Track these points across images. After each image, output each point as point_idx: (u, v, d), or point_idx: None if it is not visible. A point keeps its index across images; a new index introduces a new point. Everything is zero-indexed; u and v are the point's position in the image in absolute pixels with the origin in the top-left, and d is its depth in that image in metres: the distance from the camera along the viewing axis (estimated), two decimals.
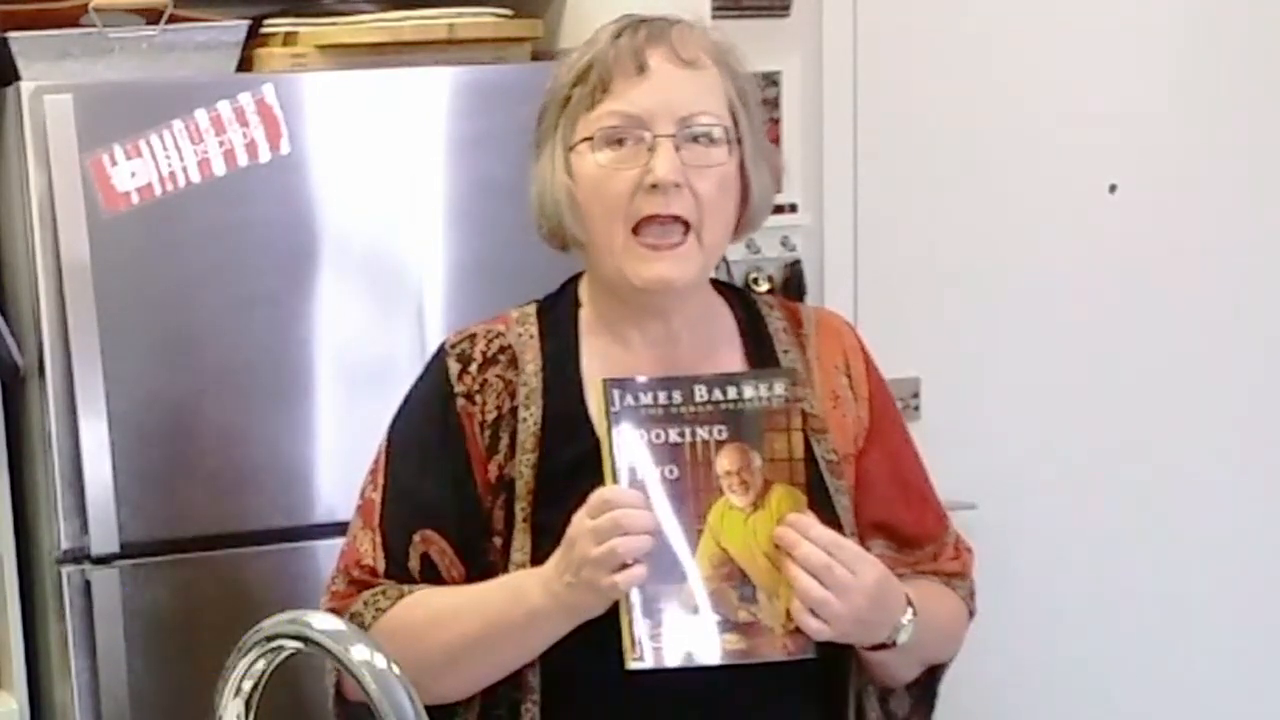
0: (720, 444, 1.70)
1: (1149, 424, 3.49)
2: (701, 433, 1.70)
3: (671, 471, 1.68)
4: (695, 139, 1.77)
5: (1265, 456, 3.56)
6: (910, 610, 1.76)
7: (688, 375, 1.73)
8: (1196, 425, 3.52)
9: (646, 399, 1.69)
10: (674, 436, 1.69)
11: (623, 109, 1.76)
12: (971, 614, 1.97)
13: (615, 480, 1.67)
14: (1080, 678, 3.51)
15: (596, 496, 1.67)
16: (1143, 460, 3.49)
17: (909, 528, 1.92)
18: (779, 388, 1.73)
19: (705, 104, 1.78)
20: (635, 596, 1.65)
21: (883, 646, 1.77)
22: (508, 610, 1.74)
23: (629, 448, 1.68)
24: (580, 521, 1.67)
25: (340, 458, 2.66)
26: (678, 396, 1.70)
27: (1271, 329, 3.54)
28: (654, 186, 1.75)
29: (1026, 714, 3.46)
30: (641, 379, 1.71)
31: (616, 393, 1.69)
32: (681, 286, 1.80)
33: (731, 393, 1.71)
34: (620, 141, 1.77)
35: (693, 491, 1.68)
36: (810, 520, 1.70)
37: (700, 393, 1.70)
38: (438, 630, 1.77)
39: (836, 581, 1.67)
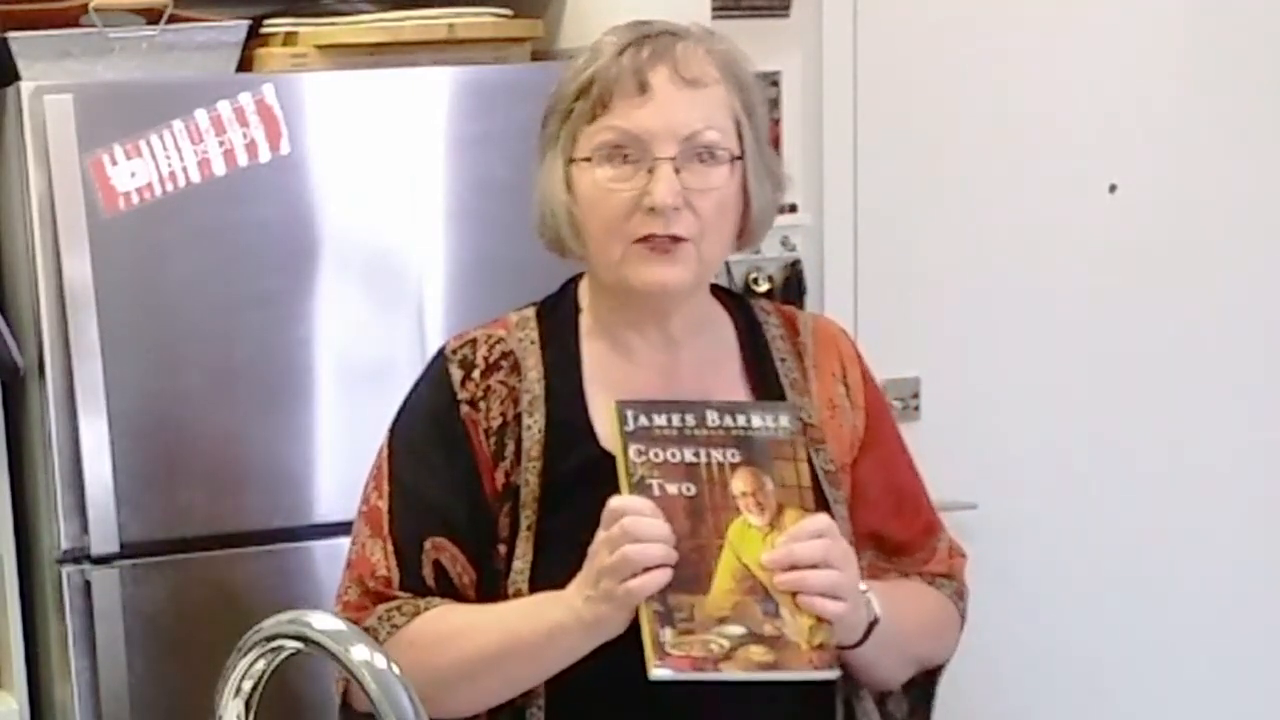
0: (734, 466, 1.71)
1: (1149, 424, 3.49)
2: (715, 455, 1.70)
3: (689, 489, 1.68)
4: (697, 157, 1.75)
5: (1266, 455, 3.55)
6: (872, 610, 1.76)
7: (698, 400, 1.74)
8: (1197, 424, 3.51)
9: (660, 420, 1.70)
10: (689, 456, 1.70)
11: (622, 126, 1.75)
12: (962, 616, 1.96)
13: (631, 493, 1.67)
14: (1080, 677, 3.50)
15: (608, 507, 1.66)
16: (1143, 460, 3.49)
17: (898, 535, 1.92)
18: (784, 420, 1.74)
19: (707, 123, 1.76)
20: (656, 605, 1.64)
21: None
22: (527, 627, 1.72)
23: (644, 466, 1.68)
24: (597, 536, 1.66)
25: (340, 458, 2.66)
26: (690, 419, 1.71)
27: (1272, 328, 3.54)
28: (652, 209, 1.74)
29: (1026, 713, 3.46)
30: (654, 400, 1.73)
31: (630, 413, 1.69)
32: (676, 291, 1.80)
33: (741, 420, 1.73)
34: (620, 158, 1.75)
35: (710, 509, 1.68)
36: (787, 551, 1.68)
37: (711, 417, 1.72)
38: (454, 645, 1.76)
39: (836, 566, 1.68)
